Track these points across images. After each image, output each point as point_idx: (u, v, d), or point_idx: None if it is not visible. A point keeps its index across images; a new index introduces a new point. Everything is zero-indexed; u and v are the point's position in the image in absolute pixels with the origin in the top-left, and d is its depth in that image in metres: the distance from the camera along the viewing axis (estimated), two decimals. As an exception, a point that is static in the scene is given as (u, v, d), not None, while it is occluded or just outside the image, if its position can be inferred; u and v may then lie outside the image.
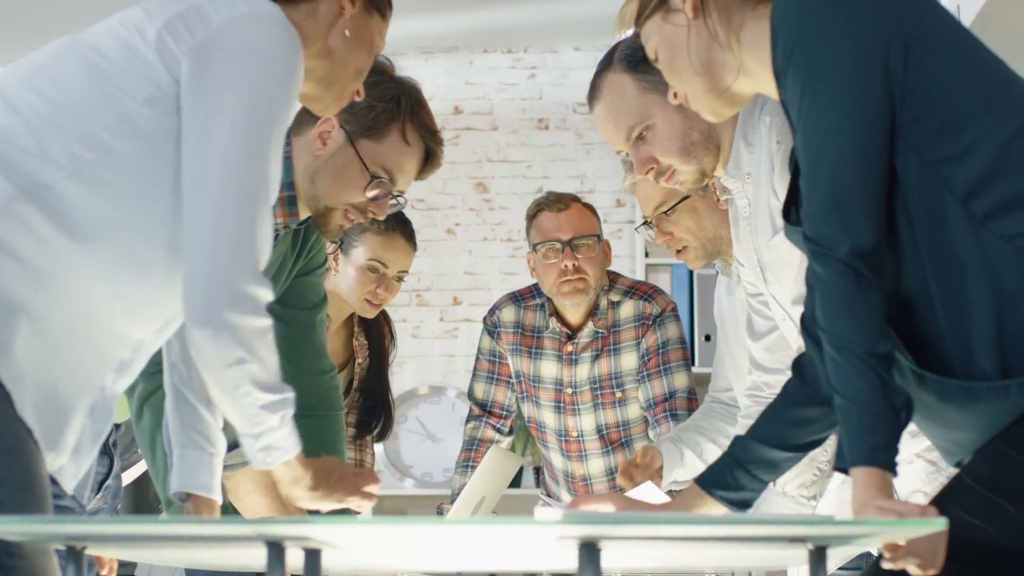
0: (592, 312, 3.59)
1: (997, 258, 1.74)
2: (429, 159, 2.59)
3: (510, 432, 3.79)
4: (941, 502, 1.78)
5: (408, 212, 6.31)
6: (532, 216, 3.62)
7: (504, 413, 3.75)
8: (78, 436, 1.91)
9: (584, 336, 3.60)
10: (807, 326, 1.94)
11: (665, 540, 1.61)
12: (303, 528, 1.58)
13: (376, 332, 3.69)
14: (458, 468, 3.73)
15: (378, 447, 6.03)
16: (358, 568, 2.13)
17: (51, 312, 1.84)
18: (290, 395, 1.94)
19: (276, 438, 1.94)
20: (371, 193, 2.52)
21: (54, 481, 1.88)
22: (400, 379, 6.15)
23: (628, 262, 5.95)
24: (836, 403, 1.77)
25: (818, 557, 1.63)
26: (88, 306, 1.87)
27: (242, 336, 1.85)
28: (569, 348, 3.61)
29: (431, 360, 6.21)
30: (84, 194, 1.85)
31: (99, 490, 2.76)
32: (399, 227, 3.51)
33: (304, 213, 2.57)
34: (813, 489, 2.69)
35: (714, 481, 2.11)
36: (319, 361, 2.81)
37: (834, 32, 1.79)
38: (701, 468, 3.04)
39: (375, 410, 3.63)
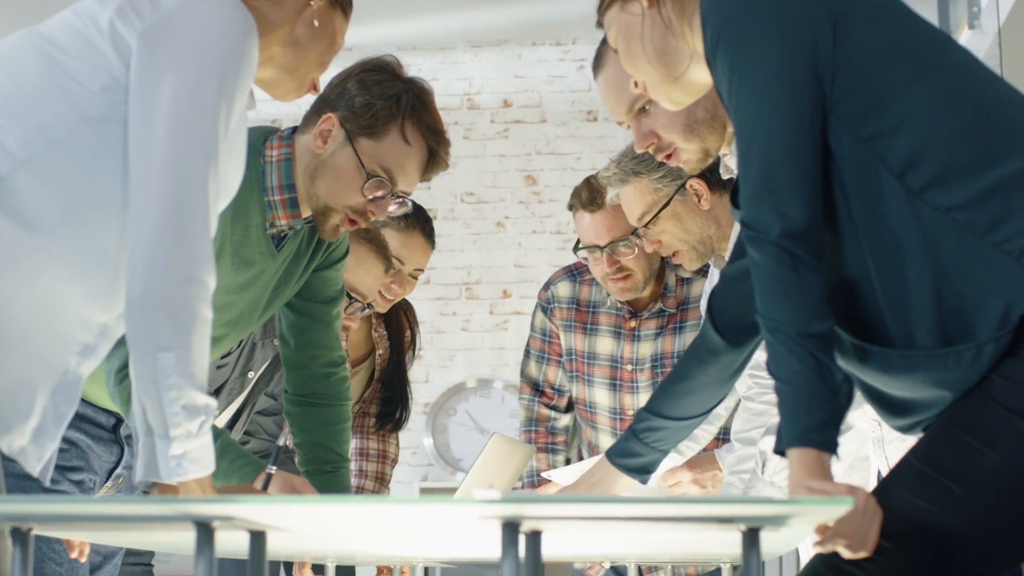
0: (660, 290, 3.48)
1: (934, 232, 1.73)
2: (432, 160, 2.55)
3: (568, 409, 3.71)
4: (888, 482, 1.76)
5: (458, 205, 6.42)
6: (570, 208, 3.52)
7: (556, 393, 3.65)
8: (40, 418, 1.93)
9: (650, 312, 3.50)
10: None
11: (591, 520, 1.60)
12: (229, 507, 1.57)
13: (396, 323, 3.70)
14: None
15: (427, 440, 6.06)
16: (307, 552, 2.14)
17: (7, 300, 1.86)
18: (213, 405, 1.87)
19: (192, 448, 1.84)
20: (370, 194, 2.50)
21: (9, 461, 1.90)
22: (450, 372, 6.18)
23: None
24: (775, 386, 1.75)
25: (751, 539, 1.61)
26: (46, 293, 1.90)
27: (179, 318, 1.84)
28: (632, 324, 3.50)
29: (481, 353, 6.23)
30: (38, 184, 1.87)
31: (108, 478, 2.80)
32: (419, 224, 3.50)
33: (306, 212, 2.57)
34: None
35: (616, 451, 2.31)
36: (331, 354, 2.82)
37: (760, 15, 1.78)
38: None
39: (393, 401, 3.64)
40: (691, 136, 2.42)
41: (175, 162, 1.86)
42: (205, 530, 1.60)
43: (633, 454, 2.34)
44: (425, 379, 6.28)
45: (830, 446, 1.72)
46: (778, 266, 1.74)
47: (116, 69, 1.91)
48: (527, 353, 3.71)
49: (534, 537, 1.59)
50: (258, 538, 1.71)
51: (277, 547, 1.97)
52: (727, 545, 1.95)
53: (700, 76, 2.03)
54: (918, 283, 1.73)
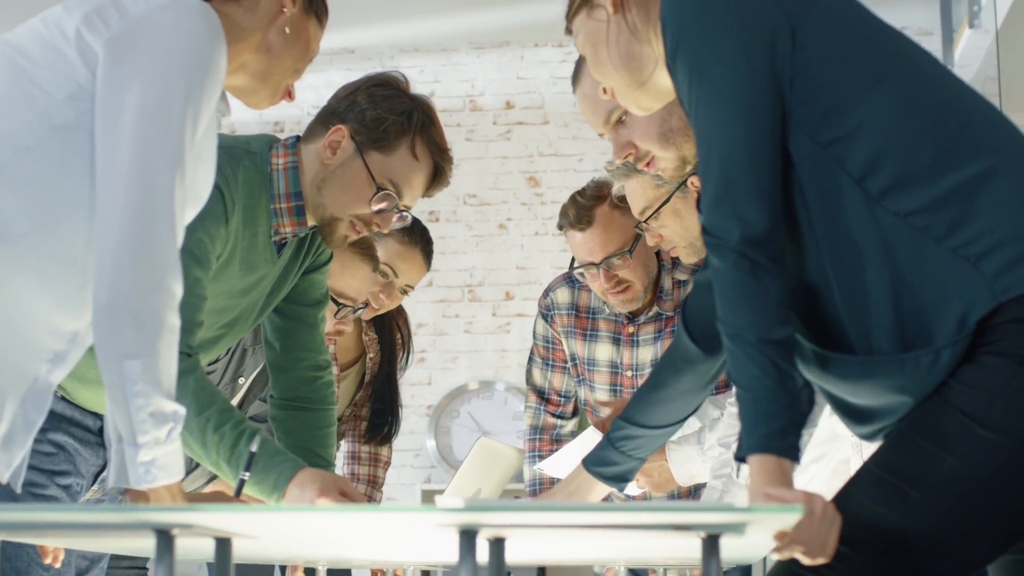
0: (656, 294, 3.47)
1: (893, 237, 1.72)
2: (437, 176, 2.60)
3: (574, 414, 3.71)
4: (847, 489, 1.75)
5: (460, 207, 6.42)
6: (559, 228, 3.48)
7: (562, 400, 3.64)
8: (9, 426, 1.94)
9: (647, 317, 3.49)
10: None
11: (546, 528, 1.60)
12: (188, 515, 1.58)
13: (387, 328, 3.71)
14: (525, 459, 3.66)
15: (430, 442, 6.07)
16: (271, 557, 2.14)
17: None
18: (181, 412, 1.88)
19: (161, 455, 1.85)
20: (376, 206, 2.53)
21: None
22: (453, 374, 6.18)
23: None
24: (735, 393, 1.75)
25: (710, 545, 1.61)
26: (15, 301, 1.90)
27: (145, 325, 1.84)
28: (631, 329, 3.48)
29: (483, 355, 6.23)
30: (6, 192, 1.87)
31: (94, 481, 2.81)
32: (420, 243, 3.54)
33: (312, 221, 2.59)
34: None
35: (592, 459, 2.35)
36: (317, 357, 2.83)
37: (719, 21, 1.77)
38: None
39: (383, 414, 3.66)
40: (667, 144, 2.44)
41: (141, 170, 1.86)
42: (165, 537, 1.60)
43: (610, 463, 2.35)
44: (427, 381, 6.29)
45: (790, 452, 1.71)
46: (738, 272, 1.73)
47: (83, 77, 1.92)
48: (531, 360, 3.69)
49: (497, 544, 1.59)
50: (223, 544, 1.72)
51: (250, 552, 1.97)
52: (696, 550, 1.94)
53: (666, 81, 2.03)
54: (877, 289, 1.73)
